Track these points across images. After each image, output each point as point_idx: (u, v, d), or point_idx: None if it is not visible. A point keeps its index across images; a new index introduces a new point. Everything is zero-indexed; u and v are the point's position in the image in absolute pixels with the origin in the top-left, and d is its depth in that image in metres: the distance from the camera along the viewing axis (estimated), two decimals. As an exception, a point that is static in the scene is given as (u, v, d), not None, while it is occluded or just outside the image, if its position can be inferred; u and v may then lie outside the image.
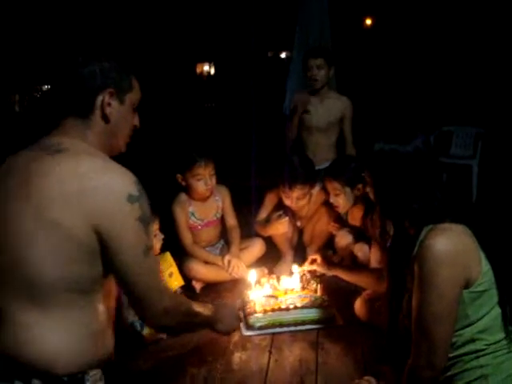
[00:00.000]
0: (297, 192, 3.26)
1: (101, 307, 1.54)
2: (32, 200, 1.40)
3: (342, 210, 3.25)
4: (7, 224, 1.43)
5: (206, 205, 3.44)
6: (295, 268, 3.01)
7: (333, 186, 3.18)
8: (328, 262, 2.95)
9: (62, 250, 1.40)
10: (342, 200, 3.17)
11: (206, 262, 3.33)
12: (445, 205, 1.77)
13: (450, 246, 1.65)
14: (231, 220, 3.52)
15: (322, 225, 3.54)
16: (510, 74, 5.77)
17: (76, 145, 1.50)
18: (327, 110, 3.99)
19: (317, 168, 3.63)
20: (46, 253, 1.40)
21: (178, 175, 3.29)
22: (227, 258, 3.26)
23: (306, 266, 2.95)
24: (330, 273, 2.88)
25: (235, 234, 3.46)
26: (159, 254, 2.86)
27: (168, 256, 2.92)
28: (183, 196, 3.37)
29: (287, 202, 3.35)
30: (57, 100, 1.58)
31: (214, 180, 3.31)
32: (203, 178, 3.24)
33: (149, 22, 6.82)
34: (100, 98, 1.54)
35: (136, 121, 1.70)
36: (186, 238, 3.32)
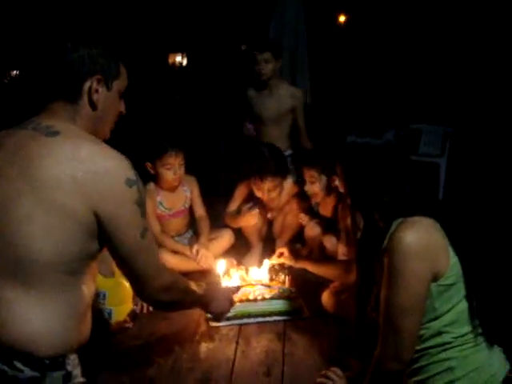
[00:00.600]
0: (268, 184, 3.27)
1: (85, 290, 1.54)
2: (31, 180, 1.40)
3: (315, 198, 3.24)
4: (3, 201, 1.41)
5: (174, 195, 3.43)
6: (266, 262, 3.02)
7: (310, 174, 3.16)
8: (295, 254, 2.97)
9: (60, 230, 1.40)
10: (316, 188, 3.16)
11: (175, 252, 3.31)
12: (415, 198, 1.79)
13: (419, 239, 1.67)
14: (200, 210, 3.52)
15: (292, 216, 3.55)
16: (480, 74, 5.86)
17: (69, 128, 1.51)
18: (277, 101, 4.01)
19: None
20: (42, 232, 1.39)
21: (148, 163, 3.27)
22: (195, 247, 3.25)
23: (274, 259, 2.96)
24: (297, 265, 2.90)
25: (204, 224, 3.46)
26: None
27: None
28: (151, 185, 3.36)
29: (258, 193, 3.35)
30: (42, 84, 1.57)
31: (182, 170, 3.30)
32: (172, 168, 3.23)
33: (120, 10, 6.73)
34: (88, 84, 1.55)
35: (122, 108, 1.71)
36: (154, 227, 3.29)
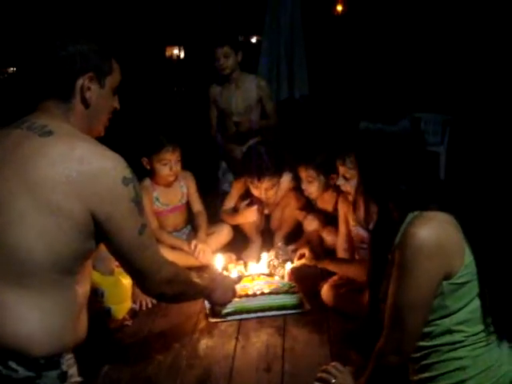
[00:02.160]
0: (266, 183, 3.24)
1: (80, 289, 1.54)
2: (26, 180, 1.40)
3: (313, 196, 3.22)
4: None
5: (170, 190, 3.41)
6: (264, 255, 3.00)
7: (307, 174, 3.12)
8: (316, 255, 2.92)
9: (55, 231, 1.40)
10: (314, 187, 3.13)
11: (173, 248, 3.29)
12: (432, 189, 1.75)
13: (434, 236, 1.62)
14: (197, 205, 3.50)
15: (290, 210, 3.54)
16: (478, 62, 5.82)
17: (62, 127, 1.51)
18: (244, 93, 4.02)
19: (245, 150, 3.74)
20: (36, 233, 1.39)
21: (144, 158, 3.25)
22: (194, 242, 3.23)
23: (295, 262, 2.93)
24: (319, 266, 2.87)
25: (202, 220, 3.44)
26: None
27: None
28: (147, 181, 3.35)
29: (256, 192, 3.33)
30: (34, 83, 1.58)
31: (179, 166, 3.29)
32: (168, 163, 3.21)
33: (117, 3, 6.69)
34: (80, 82, 1.55)
35: (116, 103, 1.71)
36: (152, 222, 3.27)
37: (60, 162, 1.41)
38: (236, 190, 3.55)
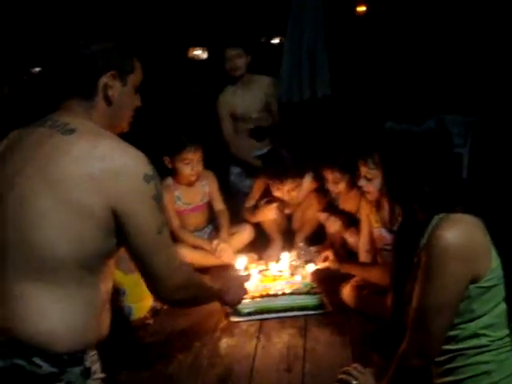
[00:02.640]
0: (288, 185, 3.24)
1: (104, 287, 1.54)
2: (48, 178, 1.41)
3: (339, 196, 3.19)
4: (21, 199, 1.42)
5: (191, 189, 3.42)
6: (284, 255, 2.99)
7: (333, 176, 3.08)
8: (340, 258, 2.90)
9: (77, 228, 1.41)
10: (341, 187, 3.10)
11: (194, 247, 3.30)
12: (457, 191, 1.73)
13: (461, 239, 1.60)
14: (219, 205, 3.51)
15: (312, 212, 3.52)
16: (502, 63, 5.75)
17: (85, 124, 1.51)
18: (253, 94, 4.03)
19: (259, 154, 3.84)
20: (58, 230, 1.40)
21: (166, 157, 3.26)
22: (215, 242, 3.24)
23: (319, 264, 2.92)
24: (343, 270, 2.85)
25: (224, 219, 3.45)
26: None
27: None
28: (169, 180, 3.36)
29: (278, 194, 3.32)
30: (57, 82, 1.58)
31: (200, 166, 3.30)
32: (191, 163, 3.23)
33: (140, 4, 6.74)
34: (103, 80, 1.54)
35: (138, 101, 1.71)
36: (173, 221, 3.30)
37: (82, 159, 1.42)
38: (257, 189, 3.54)
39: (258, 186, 3.54)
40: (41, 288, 1.40)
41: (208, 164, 3.47)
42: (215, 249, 3.22)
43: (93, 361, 1.51)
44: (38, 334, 1.39)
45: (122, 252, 2.60)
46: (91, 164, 1.42)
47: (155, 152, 3.30)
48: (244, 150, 4.06)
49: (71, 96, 1.55)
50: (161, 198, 1.55)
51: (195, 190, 3.44)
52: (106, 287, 1.57)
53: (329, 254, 2.93)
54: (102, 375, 1.55)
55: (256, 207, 3.48)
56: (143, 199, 1.49)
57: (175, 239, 3.27)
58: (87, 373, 1.48)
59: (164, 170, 3.31)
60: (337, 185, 3.08)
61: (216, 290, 2.26)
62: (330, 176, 3.09)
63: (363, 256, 2.91)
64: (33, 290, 1.40)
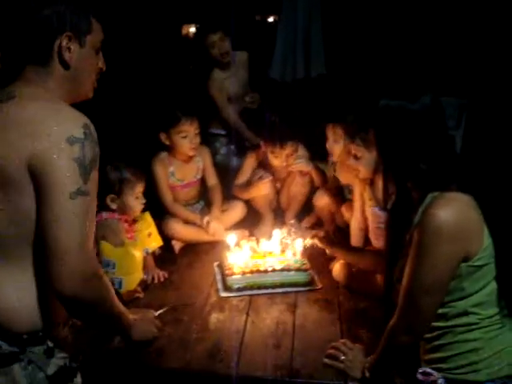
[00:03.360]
0: (288, 149, 3.25)
1: None
2: None
3: (334, 156, 3.14)
4: None
5: (186, 166, 3.40)
6: (276, 232, 2.98)
7: (334, 131, 3.05)
8: (330, 241, 2.88)
9: (7, 199, 1.38)
10: (339, 147, 3.05)
11: (186, 222, 3.30)
12: (451, 169, 1.72)
13: (454, 218, 1.60)
14: (212, 180, 3.49)
15: (297, 187, 3.55)
16: (495, 46, 5.73)
17: (29, 92, 1.46)
18: (238, 74, 4.14)
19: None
20: (1, 206, 1.37)
21: (162, 133, 3.24)
22: (206, 218, 3.23)
23: (308, 240, 2.90)
24: (331, 252, 2.82)
25: (216, 195, 3.44)
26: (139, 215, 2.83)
27: (147, 216, 2.88)
28: (163, 154, 3.34)
29: (276, 161, 3.32)
30: (11, 50, 1.51)
31: (198, 139, 3.28)
32: (188, 135, 3.20)
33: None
34: (58, 43, 1.47)
35: (101, 63, 1.63)
36: (167, 196, 3.29)
37: (8, 125, 1.38)
38: (248, 165, 3.53)
39: (249, 163, 3.53)
40: None
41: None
42: (206, 226, 3.21)
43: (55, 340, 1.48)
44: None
45: (111, 226, 2.60)
46: (15, 128, 1.37)
47: (151, 129, 3.31)
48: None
49: (27, 63, 1.49)
50: (88, 164, 1.40)
51: (190, 166, 3.42)
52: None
53: (321, 233, 2.93)
54: (65, 354, 1.53)
55: (248, 184, 3.46)
56: (60, 159, 1.35)
57: (167, 214, 3.28)
58: (50, 352, 1.47)
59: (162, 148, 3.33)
60: (336, 143, 3.06)
61: (126, 316, 1.86)
62: (330, 132, 3.07)
63: (355, 233, 2.90)
64: None
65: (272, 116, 3.33)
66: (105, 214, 2.62)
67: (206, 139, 3.86)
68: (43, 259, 1.38)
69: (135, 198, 2.71)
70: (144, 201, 2.79)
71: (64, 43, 1.47)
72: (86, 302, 1.47)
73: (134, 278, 2.60)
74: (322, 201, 3.33)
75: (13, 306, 1.39)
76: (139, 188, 2.73)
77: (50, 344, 1.46)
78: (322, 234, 2.92)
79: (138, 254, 2.64)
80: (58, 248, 1.35)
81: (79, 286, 1.40)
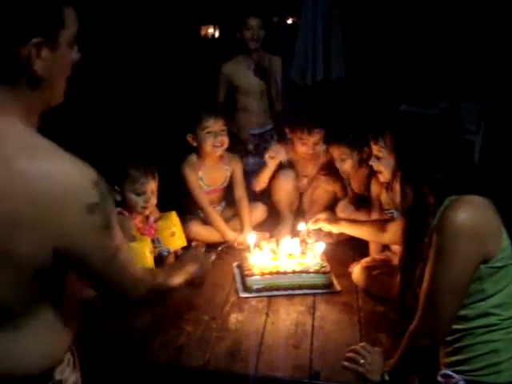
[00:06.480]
0: (315, 136, 3.28)
1: (61, 299, 1.38)
2: None
3: (347, 175, 3.21)
4: None
5: (215, 172, 3.40)
6: (302, 225, 2.98)
7: (340, 151, 3.11)
8: (333, 220, 2.91)
9: (17, 279, 1.19)
10: (348, 165, 3.11)
11: (204, 223, 3.34)
12: (470, 175, 1.73)
13: (472, 219, 1.63)
14: (241, 192, 3.46)
15: (320, 192, 3.57)
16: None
17: (11, 136, 1.14)
18: (261, 71, 4.15)
19: (257, 132, 4.07)
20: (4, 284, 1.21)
21: (189, 135, 3.26)
22: (239, 240, 3.25)
23: (310, 225, 2.91)
24: (336, 228, 2.83)
25: (245, 209, 3.41)
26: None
27: (173, 215, 2.91)
28: (194, 157, 3.34)
29: (303, 148, 3.35)
30: None
31: (225, 137, 3.27)
32: (213, 132, 3.21)
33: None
34: (24, 54, 1.13)
35: (75, 55, 1.29)
36: (203, 198, 3.32)
37: (9, 197, 1.10)
38: (266, 173, 3.53)
39: (267, 171, 3.53)
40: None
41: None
42: (236, 245, 3.24)
43: (62, 370, 1.41)
44: (4, 373, 1.30)
45: (121, 222, 2.62)
46: (22, 203, 1.10)
47: (179, 134, 3.34)
48: (240, 126, 4.21)
49: None
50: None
51: (218, 173, 3.42)
52: (64, 296, 1.40)
53: (321, 216, 2.93)
54: (73, 379, 1.46)
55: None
56: (88, 233, 1.21)
57: (189, 216, 3.33)
58: None
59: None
60: (344, 162, 3.09)
61: (179, 284, 1.89)
62: (336, 152, 3.11)
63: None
64: None
65: (299, 103, 3.37)
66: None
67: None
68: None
69: (136, 195, 2.73)
70: (153, 198, 2.80)
71: (33, 52, 1.13)
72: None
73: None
74: (346, 211, 3.33)
75: (21, 363, 1.31)
76: (141, 184, 2.73)
77: (58, 377, 1.39)
78: (323, 216, 2.93)
79: (148, 252, 2.66)
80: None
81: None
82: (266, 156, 3.43)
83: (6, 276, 1.17)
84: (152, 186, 2.76)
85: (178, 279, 1.85)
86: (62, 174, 1.14)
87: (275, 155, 3.40)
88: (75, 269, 1.31)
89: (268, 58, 4.15)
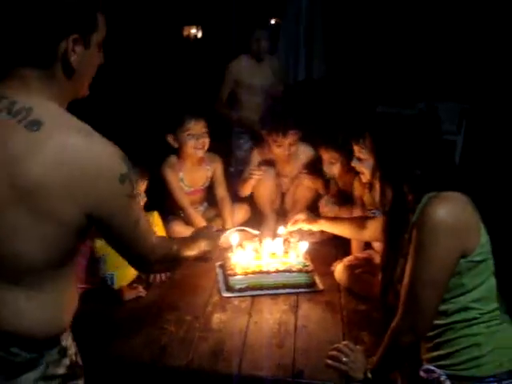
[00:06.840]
0: (290, 137, 3.28)
1: (71, 272, 1.52)
2: (19, 186, 1.26)
3: (335, 177, 3.21)
4: None
5: (196, 173, 3.40)
6: (281, 228, 2.98)
7: (329, 155, 3.11)
8: (312, 218, 2.91)
9: (51, 238, 1.33)
10: (336, 169, 3.11)
11: (187, 224, 3.32)
12: (448, 172, 1.75)
13: (451, 215, 1.65)
14: (222, 191, 3.47)
15: (302, 191, 3.57)
16: (497, 51, 5.75)
17: (50, 112, 1.33)
18: (266, 71, 4.53)
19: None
20: (35, 243, 1.32)
21: (169, 136, 3.25)
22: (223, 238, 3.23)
23: (290, 227, 2.91)
24: (316, 227, 2.83)
25: (227, 208, 3.42)
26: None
27: (155, 216, 2.90)
28: (173, 159, 3.34)
29: (279, 150, 3.35)
30: (6, 49, 1.33)
31: (206, 138, 3.26)
32: (194, 134, 3.20)
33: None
34: (63, 46, 1.32)
35: (101, 59, 1.51)
36: (184, 199, 3.31)
37: (53, 164, 1.26)
38: (253, 160, 3.59)
39: (254, 158, 3.60)
40: (17, 291, 1.37)
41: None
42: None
43: (67, 338, 1.51)
44: (15, 332, 1.38)
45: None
46: (63, 170, 1.27)
47: (158, 133, 3.33)
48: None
49: (23, 65, 1.33)
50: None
51: (199, 173, 3.42)
52: (73, 269, 1.54)
53: (299, 216, 2.94)
54: (74, 349, 1.56)
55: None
56: (118, 200, 1.40)
57: (170, 216, 3.32)
58: (64, 351, 1.48)
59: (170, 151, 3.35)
60: (333, 165, 3.09)
61: (194, 255, 2.05)
62: (326, 156, 3.10)
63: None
64: (8, 294, 1.37)
65: (275, 105, 3.38)
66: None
67: (230, 136, 4.30)
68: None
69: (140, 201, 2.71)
70: (145, 199, 2.78)
71: (70, 46, 1.33)
72: (167, 267, 2.10)
73: (126, 272, 2.57)
74: (328, 208, 3.34)
75: (33, 322, 1.39)
76: (142, 186, 2.73)
77: (64, 344, 1.48)
78: (302, 216, 2.93)
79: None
80: (140, 255, 1.61)
81: (162, 262, 1.75)
82: (251, 172, 3.44)
83: (42, 234, 1.32)
84: (141, 187, 2.74)
85: (189, 252, 1.98)
86: (100, 149, 1.34)
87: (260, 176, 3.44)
88: (103, 232, 1.47)
89: (268, 58, 4.53)
